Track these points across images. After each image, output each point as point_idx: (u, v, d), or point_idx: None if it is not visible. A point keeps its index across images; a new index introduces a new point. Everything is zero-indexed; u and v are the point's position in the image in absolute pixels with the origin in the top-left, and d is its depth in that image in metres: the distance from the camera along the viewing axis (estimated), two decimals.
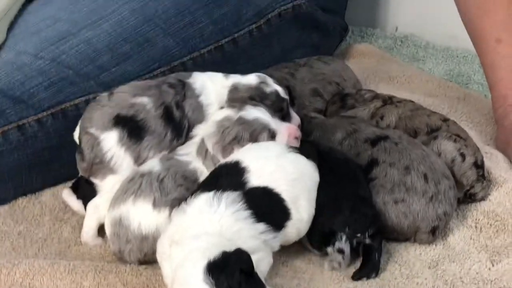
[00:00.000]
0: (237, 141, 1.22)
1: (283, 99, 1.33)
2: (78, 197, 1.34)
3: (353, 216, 1.19)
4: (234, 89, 1.32)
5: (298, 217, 1.17)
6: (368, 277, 1.19)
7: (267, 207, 1.15)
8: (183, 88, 1.30)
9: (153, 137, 1.26)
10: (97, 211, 1.27)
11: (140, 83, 1.32)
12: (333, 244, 1.19)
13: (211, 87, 1.31)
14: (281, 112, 1.32)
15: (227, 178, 1.16)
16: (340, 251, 1.19)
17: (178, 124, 1.28)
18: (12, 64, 1.41)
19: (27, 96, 1.38)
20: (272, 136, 1.24)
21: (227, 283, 1.00)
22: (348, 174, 1.25)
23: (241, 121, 1.24)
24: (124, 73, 1.47)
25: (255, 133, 1.23)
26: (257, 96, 1.31)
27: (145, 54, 1.49)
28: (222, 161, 1.21)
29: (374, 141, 1.30)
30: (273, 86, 1.33)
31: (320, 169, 1.23)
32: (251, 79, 1.33)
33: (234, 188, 1.14)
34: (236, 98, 1.30)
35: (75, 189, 1.36)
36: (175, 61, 1.52)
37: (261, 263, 1.13)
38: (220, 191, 1.13)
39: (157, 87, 1.30)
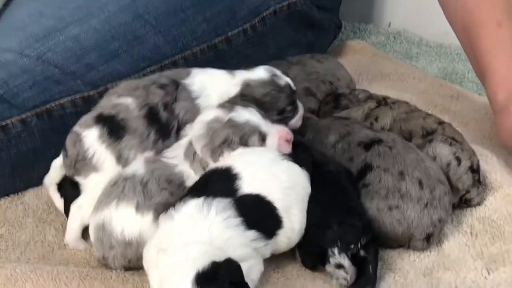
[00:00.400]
0: (227, 144, 1.19)
1: (294, 90, 1.31)
2: (61, 196, 1.32)
3: (342, 229, 1.15)
4: (246, 86, 1.28)
5: (290, 226, 1.14)
6: None
7: (258, 215, 1.11)
8: (176, 89, 1.27)
9: (133, 137, 1.24)
10: (80, 211, 1.25)
11: (131, 83, 1.30)
12: (329, 262, 1.15)
13: (214, 87, 1.28)
14: (293, 105, 1.30)
15: (217, 184, 1.13)
16: (339, 266, 1.14)
17: (164, 125, 1.25)
18: None
19: (11, 95, 1.34)
20: (262, 139, 1.20)
21: None
22: (334, 185, 1.21)
23: (231, 124, 1.19)
24: (113, 71, 1.43)
25: (245, 136, 1.19)
26: (271, 90, 1.28)
27: (135, 52, 1.46)
28: (213, 165, 1.18)
29: (368, 145, 1.27)
30: (283, 77, 1.31)
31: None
32: (261, 73, 1.30)
33: (225, 195, 1.11)
34: (250, 95, 1.27)
35: (60, 188, 1.33)
36: (165, 60, 1.49)
37: (252, 270, 1.11)
38: (210, 197, 1.10)
39: (145, 88, 1.27)
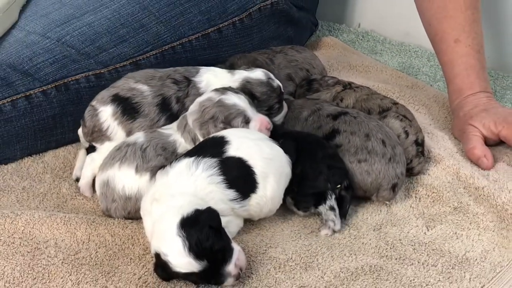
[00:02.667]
0: (213, 120, 1.20)
1: (283, 92, 1.33)
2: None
3: (331, 171, 1.18)
4: (246, 83, 1.29)
5: (263, 193, 1.14)
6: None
7: (238, 175, 1.12)
8: (188, 86, 1.28)
9: (145, 120, 1.25)
10: (93, 163, 1.27)
11: (148, 72, 1.30)
12: (325, 203, 1.17)
13: (217, 84, 1.28)
14: (280, 103, 1.32)
15: (209, 147, 1.14)
16: (331, 208, 1.17)
17: (175, 114, 1.27)
18: (22, 42, 1.39)
19: (34, 70, 1.35)
20: (246, 122, 1.21)
21: (196, 236, 1.00)
22: (313, 142, 1.23)
23: (220, 104, 1.21)
24: (121, 53, 1.44)
25: (230, 116, 1.20)
26: (267, 90, 1.30)
27: (140, 38, 1.46)
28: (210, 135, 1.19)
29: (335, 116, 1.28)
30: (276, 81, 1.32)
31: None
32: (260, 74, 1.31)
33: (213, 156, 1.12)
34: (248, 92, 1.28)
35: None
36: (165, 46, 1.49)
37: (231, 225, 1.13)
38: (200, 157, 1.11)
39: (160, 79, 1.28)
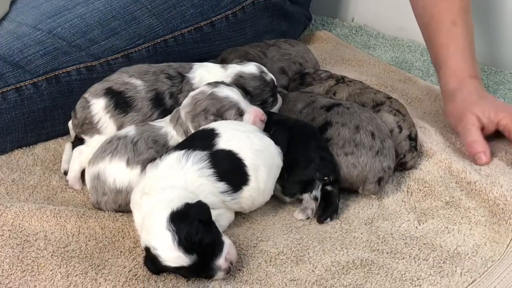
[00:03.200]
0: (205, 113, 1.20)
1: (276, 85, 1.33)
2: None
3: (322, 163, 1.18)
4: (239, 77, 1.29)
5: (255, 185, 1.14)
6: (332, 219, 1.19)
7: (229, 168, 1.12)
8: (181, 82, 1.28)
9: (137, 114, 1.25)
10: (81, 156, 1.27)
11: (142, 67, 1.30)
12: (310, 192, 1.18)
13: (209, 79, 1.27)
14: (274, 97, 1.32)
15: (199, 140, 1.14)
16: (315, 198, 1.18)
17: (168, 109, 1.26)
18: (13, 33, 1.38)
19: (25, 62, 1.35)
20: (240, 114, 1.21)
21: (186, 230, 1.00)
22: (308, 132, 1.23)
23: (212, 96, 1.21)
24: (112, 46, 1.43)
25: (223, 108, 1.20)
26: (261, 84, 1.30)
27: (132, 31, 1.46)
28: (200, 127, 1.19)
29: (329, 108, 1.28)
30: (269, 74, 1.32)
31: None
32: (252, 68, 1.31)
33: (203, 149, 1.12)
34: (241, 86, 1.28)
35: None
36: (158, 39, 1.49)
37: (221, 218, 1.13)
38: (190, 150, 1.11)
39: (154, 74, 1.27)
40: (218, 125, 1.16)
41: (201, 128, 1.18)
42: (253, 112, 1.22)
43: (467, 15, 1.43)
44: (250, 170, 1.13)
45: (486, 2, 1.72)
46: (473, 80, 1.39)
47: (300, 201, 1.21)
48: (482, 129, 1.34)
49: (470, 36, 1.42)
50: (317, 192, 1.18)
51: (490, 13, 1.74)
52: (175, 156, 1.11)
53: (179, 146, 1.14)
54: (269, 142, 1.17)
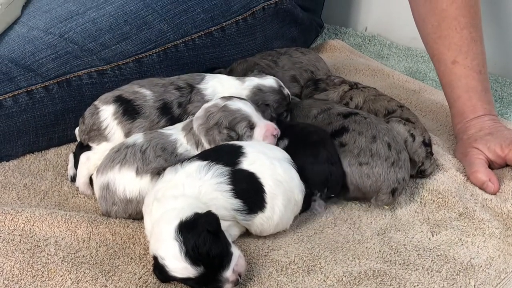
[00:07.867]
0: (217, 126, 1.21)
1: (291, 100, 1.35)
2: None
3: (331, 180, 1.22)
4: (258, 91, 1.31)
5: (269, 215, 1.14)
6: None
7: (247, 189, 1.12)
8: (190, 92, 1.30)
9: (145, 121, 1.27)
10: (88, 162, 1.28)
11: (153, 80, 1.32)
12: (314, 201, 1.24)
13: (225, 92, 1.29)
14: (288, 111, 1.35)
15: (224, 155, 1.14)
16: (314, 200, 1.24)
17: (176, 118, 1.29)
18: (25, 37, 1.41)
19: (37, 65, 1.37)
20: (251, 127, 1.23)
21: (193, 241, 1.00)
22: (319, 141, 1.25)
23: (225, 109, 1.22)
24: (123, 50, 1.46)
25: (235, 121, 1.22)
26: (279, 98, 1.32)
27: (143, 36, 1.49)
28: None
29: (346, 115, 1.30)
30: (286, 89, 1.34)
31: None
32: (272, 82, 1.33)
33: (226, 164, 1.12)
34: (261, 99, 1.30)
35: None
36: (168, 43, 1.51)
37: (232, 229, 1.14)
38: (213, 163, 1.12)
39: (163, 86, 1.30)
40: (247, 145, 1.17)
41: (231, 142, 1.19)
42: (264, 127, 1.23)
43: (470, 47, 1.40)
44: (268, 197, 1.13)
45: (500, 13, 1.74)
46: (479, 119, 1.39)
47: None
48: (490, 163, 1.35)
49: (475, 70, 1.40)
50: (316, 199, 1.23)
51: (504, 24, 1.76)
52: (196, 166, 1.12)
53: (202, 156, 1.14)
54: (293, 175, 1.17)
